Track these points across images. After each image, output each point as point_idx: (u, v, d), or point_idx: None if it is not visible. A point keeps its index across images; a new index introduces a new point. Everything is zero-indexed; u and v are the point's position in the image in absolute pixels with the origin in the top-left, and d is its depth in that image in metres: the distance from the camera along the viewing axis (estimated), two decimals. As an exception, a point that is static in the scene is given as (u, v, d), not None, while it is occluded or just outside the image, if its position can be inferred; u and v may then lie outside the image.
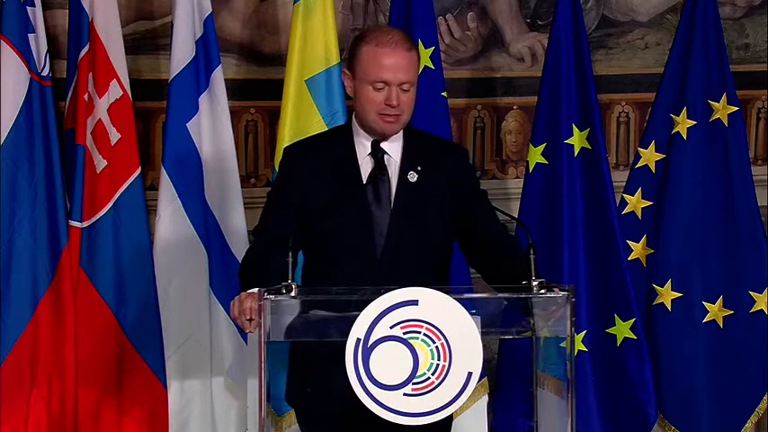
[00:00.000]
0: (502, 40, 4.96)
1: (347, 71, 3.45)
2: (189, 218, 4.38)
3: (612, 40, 5.02)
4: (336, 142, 3.48)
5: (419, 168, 3.43)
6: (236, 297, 3.22)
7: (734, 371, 4.65)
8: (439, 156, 3.49)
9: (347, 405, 3.10)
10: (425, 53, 4.45)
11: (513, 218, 3.58)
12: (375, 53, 3.38)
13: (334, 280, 3.27)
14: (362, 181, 3.41)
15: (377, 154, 3.41)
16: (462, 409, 4.13)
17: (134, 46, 4.58)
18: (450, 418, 3.40)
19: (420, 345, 3.06)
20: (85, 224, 4.29)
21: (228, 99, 4.46)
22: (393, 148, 3.45)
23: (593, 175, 4.54)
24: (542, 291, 3.17)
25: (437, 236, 3.45)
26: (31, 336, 4.24)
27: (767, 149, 5.14)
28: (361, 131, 3.45)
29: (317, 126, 4.34)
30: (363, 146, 3.44)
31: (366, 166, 3.43)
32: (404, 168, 3.43)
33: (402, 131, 3.47)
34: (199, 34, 4.39)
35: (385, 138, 3.43)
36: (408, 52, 3.39)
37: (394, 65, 3.36)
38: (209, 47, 4.41)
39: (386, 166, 3.43)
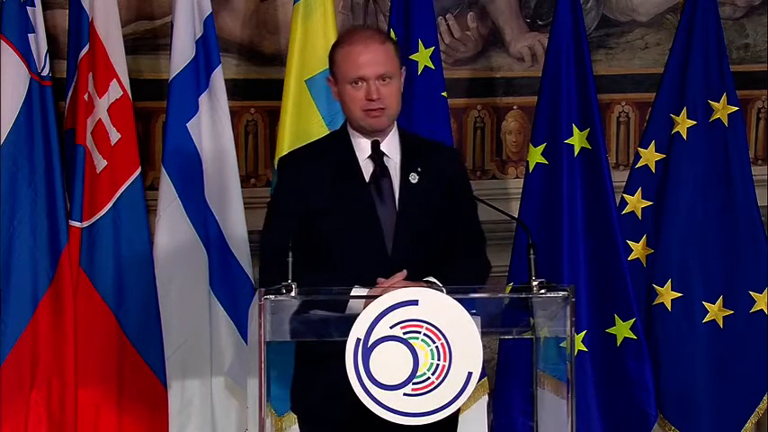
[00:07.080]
0: (502, 40, 4.96)
1: (330, 77, 3.46)
2: (189, 218, 4.38)
3: (612, 40, 5.02)
4: (334, 146, 3.48)
5: (419, 170, 3.43)
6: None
7: (734, 371, 4.64)
8: (436, 158, 3.48)
9: (349, 406, 3.10)
10: (425, 53, 4.45)
11: (513, 218, 3.58)
12: (349, 52, 3.39)
13: (346, 279, 3.27)
14: (365, 181, 3.40)
15: (378, 154, 3.40)
16: (462, 409, 4.12)
17: (134, 46, 4.57)
18: (455, 419, 3.39)
19: (420, 345, 3.06)
20: (85, 224, 4.28)
21: (228, 99, 4.45)
22: (391, 150, 3.44)
23: (593, 175, 4.54)
24: (542, 291, 3.18)
25: (438, 236, 3.45)
26: (31, 336, 4.23)
27: (767, 149, 5.14)
28: (357, 133, 3.45)
29: (317, 126, 4.34)
30: (362, 147, 3.43)
31: (367, 167, 3.42)
32: (404, 170, 3.43)
33: (397, 133, 3.47)
34: (199, 34, 4.39)
35: (376, 134, 3.41)
36: (382, 45, 3.40)
37: (368, 60, 3.37)
38: (209, 47, 4.41)
39: (386, 166, 3.43)
